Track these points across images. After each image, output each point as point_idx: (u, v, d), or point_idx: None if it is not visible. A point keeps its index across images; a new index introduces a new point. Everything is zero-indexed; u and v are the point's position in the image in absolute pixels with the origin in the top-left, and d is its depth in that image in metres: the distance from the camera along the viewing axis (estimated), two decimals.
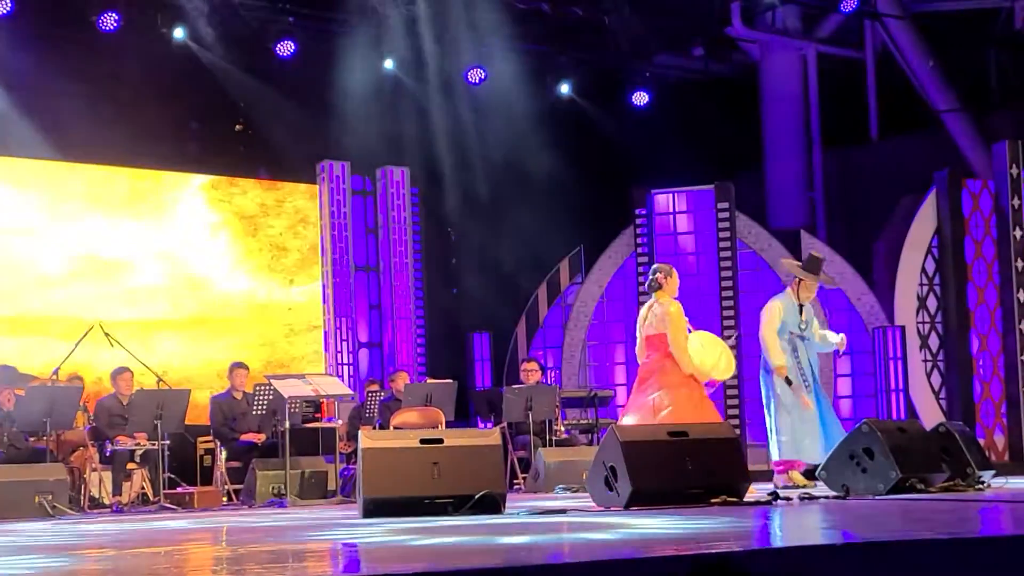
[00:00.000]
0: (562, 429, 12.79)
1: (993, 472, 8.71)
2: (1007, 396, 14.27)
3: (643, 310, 9.18)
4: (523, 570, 3.23)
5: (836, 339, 10.10)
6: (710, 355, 8.94)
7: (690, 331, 8.99)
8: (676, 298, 9.01)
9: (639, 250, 14.90)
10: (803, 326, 9.92)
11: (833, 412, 10.04)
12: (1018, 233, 14.31)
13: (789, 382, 9.67)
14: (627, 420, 8.57)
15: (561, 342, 15.32)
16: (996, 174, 14.60)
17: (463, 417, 13.86)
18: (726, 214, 14.93)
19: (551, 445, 12.11)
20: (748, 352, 14.62)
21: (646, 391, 8.77)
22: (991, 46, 18.95)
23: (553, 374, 14.85)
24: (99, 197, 14.05)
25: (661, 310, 8.88)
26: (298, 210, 15.17)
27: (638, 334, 9.09)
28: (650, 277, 9.15)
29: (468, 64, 15.63)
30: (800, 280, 10.05)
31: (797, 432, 9.68)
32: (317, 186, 14.93)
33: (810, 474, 9.56)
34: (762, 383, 10.05)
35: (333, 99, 14.92)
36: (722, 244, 14.72)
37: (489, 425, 13.13)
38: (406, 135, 15.89)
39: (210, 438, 11.84)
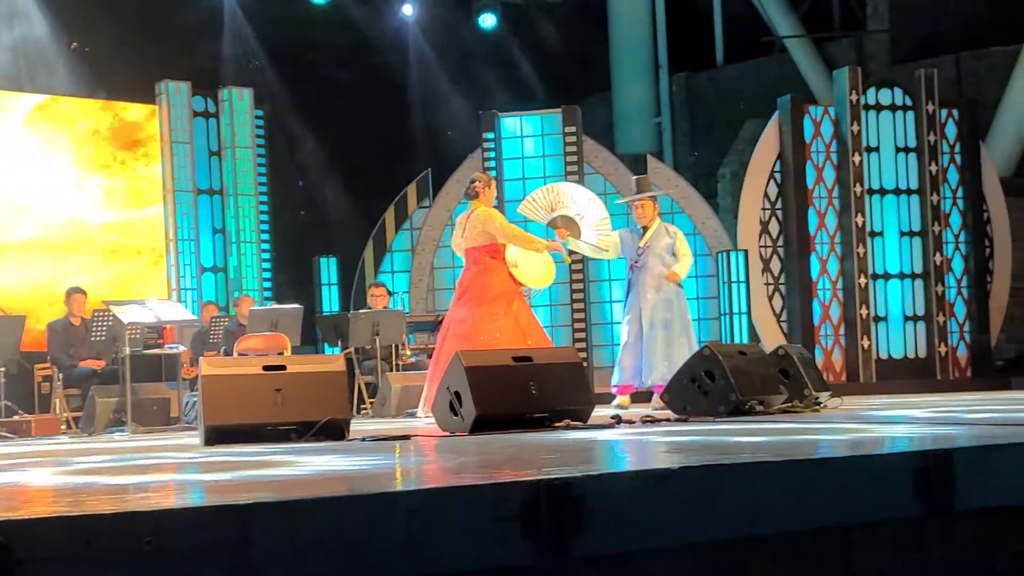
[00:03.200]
0: (409, 354, 12.78)
1: (830, 393, 8.93)
2: (845, 318, 14.64)
3: (458, 223, 9.21)
4: (363, 498, 3.20)
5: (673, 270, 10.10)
6: (534, 264, 9.04)
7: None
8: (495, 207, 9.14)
9: (486, 174, 14.85)
10: (640, 251, 9.96)
11: (664, 341, 10.02)
12: (857, 159, 14.62)
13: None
14: (452, 340, 8.63)
15: (409, 267, 15.27)
16: (836, 100, 14.87)
17: (310, 342, 13.77)
18: (573, 138, 14.97)
19: (398, 370, 12.10)
20: (597, 277, 14.75)
21: (466, 305, 8.85)
22: None
23: (400, 298, 14.80)
24: None
25: (480, 221, 8.90)
26: (136, 131, 14.77)
27: (456, 249, 9.20)
28: (468, 184, 9.16)
29: None
30: (633, 204, 10.13)
31: (621, 358, 10.00)
32: (156, 107, 14.54)
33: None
34: None
35: (174, 18, 14.53)
36: (569, 168, 14.78)
37: (336, 350, 13.06)
38: (250, 55, 15.58)
39: (47, 365, 11.57)
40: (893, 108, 14.93)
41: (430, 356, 13.16)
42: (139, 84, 14.59)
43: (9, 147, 13.92)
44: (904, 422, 6.23)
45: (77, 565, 2.79)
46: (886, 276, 14.81)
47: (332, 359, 7.02)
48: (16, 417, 10.71)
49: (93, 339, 11.09)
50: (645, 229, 10.18)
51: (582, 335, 14.77)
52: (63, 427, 10.82)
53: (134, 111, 14.75)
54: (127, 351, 10.21)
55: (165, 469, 4.98)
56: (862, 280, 14.59)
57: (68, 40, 14.70)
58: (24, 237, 13.91)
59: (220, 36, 15.44)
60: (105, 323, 10.93)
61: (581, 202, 9.73)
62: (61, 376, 11.27)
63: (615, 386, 10.05)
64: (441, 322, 13.16)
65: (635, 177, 10.70)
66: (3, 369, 10.38)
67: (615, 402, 9.88)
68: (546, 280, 9.37)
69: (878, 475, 3.81)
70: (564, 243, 9.72)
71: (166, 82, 14.39)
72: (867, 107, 14.77)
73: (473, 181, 9.17)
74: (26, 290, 13.80)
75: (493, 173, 14.74)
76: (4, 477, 4.82)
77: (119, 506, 3.15)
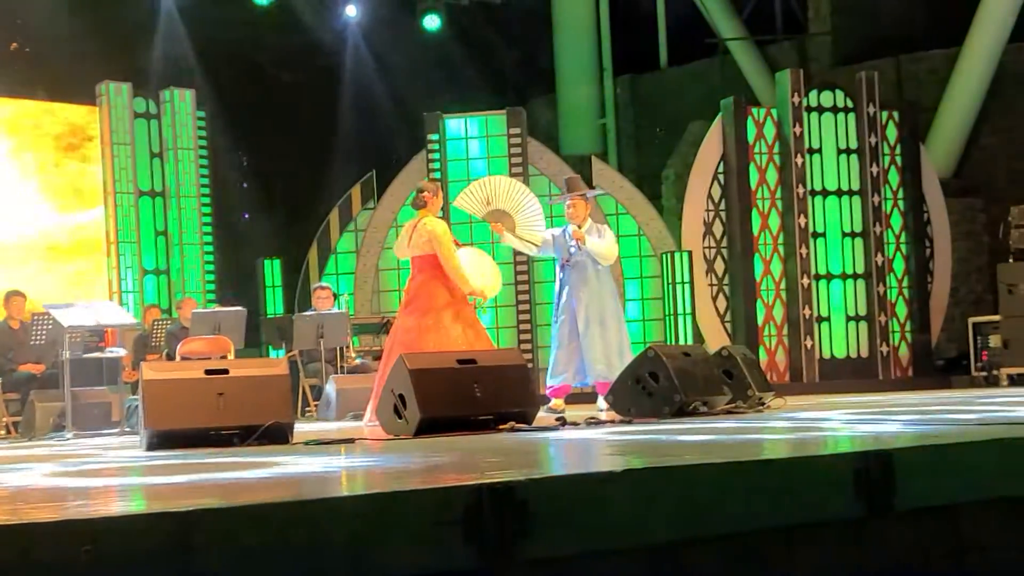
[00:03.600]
0: (354, 356, 12.73)
1: (773, 393, 8.99)
2: (788, 319, 14.75)
3: (404, 230, 9.22)
4: (307, 503, 3.18)
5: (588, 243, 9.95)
6: (480, 273, 9.05)
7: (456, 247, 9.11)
8: (440, 217, 9.10)
9: (431, 175, 14.85)
10: (572, 250, 9.88)
11: (601, 339, 9.92)
12: (799, 160, 14.72)
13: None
14: (398, 348, 8.59)
15: (354, 269, 15.21)
16: (779, 103, 14.97)
17: (254, 345, 13.69)
18: (518, 139, 14.98)
19: (343, 372, 12.05)
20: (542, 278, 14.76)
21: (412, 314, 8.85)
22: None
23: (345, 300, 14.74)
24: None
25: (427, 234, 8.90)
26: (77, 132, 14.61)
27: (400, 254, 9.21)
28: (415, 194, 9.17)
29: None
30: (566, 205, 10.10)
31: (556, 360, 9.93)
32: (97, 107, 14.39)
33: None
34: None
35: (115, 17, 14.40)
36: (514, 170, 14.78)
37: (280, 353, 12.99)
38: (192, 56, 15.48)
39: None
40: (835, 110, 15.05)
41: (376, 358, 13.14)
42: (80, 85, 14.44)
43: None
44: (845, 422, 6.27)
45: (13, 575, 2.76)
46: (828, 276, 14.93)
47: (275, 363, 6.98)
48: None
49: (33, 343, 10.95)
50: (578, 228, 10.16)
51: (527, 336, 14.78)
52: (2, 432, 10.69)
53: (74, 112, 14.60)
54: (67, 355, 10.09)
55: (106, 474, 4.93)
56: (805, 280, 14.70)
57: (7, 40, 14.54)
58: None
59: (161, 37, 15.31)
60: (45, 327, 10.80)
61: (516, 196, 9.73)
62: (0, 380, 11.14)
63: (550, 388, 10.01)
64: (386, 324, 13.15)
65: (566, 177, 10.68)
66: None
67: (549, 404, 9.84)
68: (493, 289, 9.39)
69: (820, 476, 3.84)
70: (496, 236, 9.80)
71: (107, 83, 14.25)
72: (809, 109, 14.88)
73: (421, 191, 9.15)
74: None
75: (438, 175, 14.72)
76: None
77: (57, 514, 3.12)
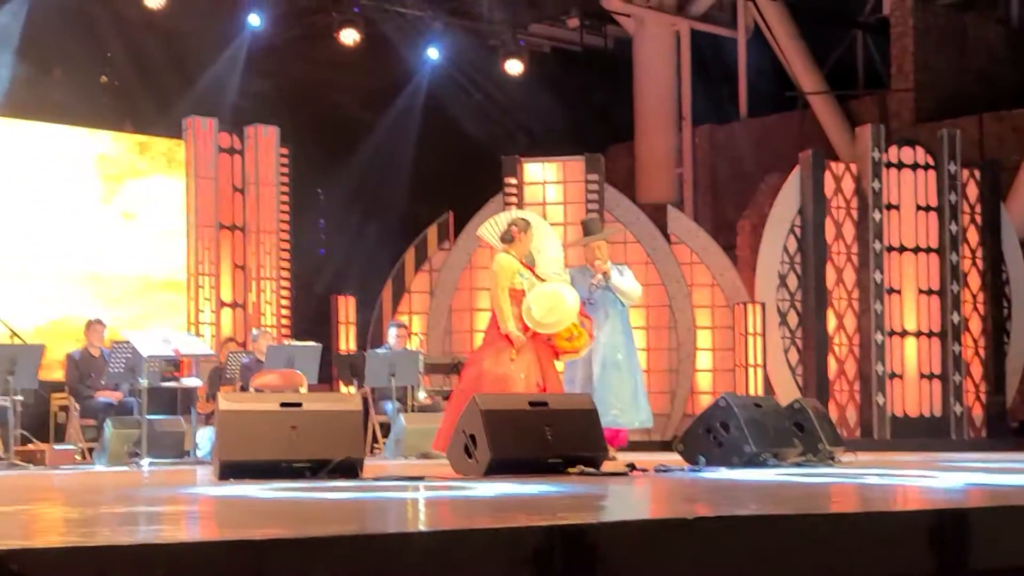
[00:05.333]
0: (424, 395, 12.78)
1: (844, 448, 8.91)
2: (860, 374, 14.61)
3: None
4: (377, 538, 3.21)
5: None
6: (548, 309, 8.82)
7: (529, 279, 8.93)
8: (526, 255, 8.98)
9: None
10: (592, 289, 9.73)
11: (618, 382, 9.76)
12: (877, 215, 14.63)
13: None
14: (465, 378, 8.63)
15: (427, 308, 15.30)
16: (858, 157, 14.90)
17: (326, 381, 13.79)
18: (595, 186, 15.03)
19: (413, 411, 12.10)
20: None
21: (484, 344, 8.92)
22: (858, 30, 19.35)
23: (418, 340, 14.83)
24: None
25: (493, 265, 8.93)
26: (163, 166, 14.86)
27: None
28: (506, 227, 9.06)
29: (340, 24, 15.50)
30: (586, 247, 9.95)
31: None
32: (183, 142, 14.63)
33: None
34: None
35: (202, 53, 14.66)
36: (590, 216, 14.77)
37: (351, 390, 13.08)
38: (276, 93, 15.71)
39: (65, 395, 11.60)
40: (915, 167, 14.95)
41: (445, 398, 13.19)
42: (166, 119, 14.70)
43: (35, 178, 14.02)
44: (918, 479, 6.21)
45: None
46: (903, 334, 14.79)
47: (348, 398, 7.05)
48: (31, 446, 10.73)
49: (111, 371, 11.11)
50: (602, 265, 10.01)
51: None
52: (78, 457, 10.83)
53: (160, 145, 14.85)
54: (145, 383, 10.23)
55: (179, 501, 5.00)
56: (879, 337, 14.57)
57: (97, 73, 14.85)
58: (47, 268, 13.99)
59: (246, 73, 15.55)
60: (124, 355, 10.96)
61: (539, 234, 9.48)
62: (78, 406, 11.30)
63: None
64: (457, 364, 13.19)
65: (584, 219, 10.56)
66: (20, 398, 10.40)
67: None
68: (548, 327, 9.03)
69: (892, 532, 3.81)
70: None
71: (193, 118, 14.49)
72: (889, 165, 14.80)
73: (512, 225, 9.09)
74: (47, 320, 13.86)
75: None
76: (18, 506, 4.84)
77: (132, 538, 3.17)
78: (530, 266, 9.06)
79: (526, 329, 8.77)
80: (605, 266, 9.68)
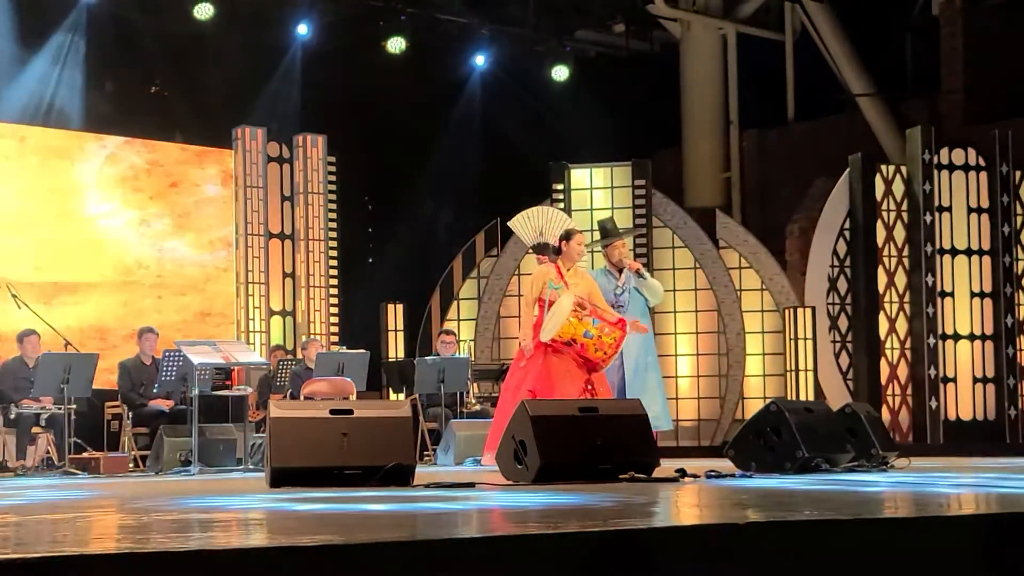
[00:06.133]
0: (474, 401, 12.80)
1: (897, 453, 8.84)
2: (912, 378, 14.49)
3: None
4: (429, 544, 3.21)
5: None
6: (556, 316, 8.99)
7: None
8: (576, 265, 9.10)
9: None
10: (619, 291, 9.75)
11: (652, 383, 9.78)
12: (928, 218, 14.52)
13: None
14: (509, 383, 8.70)
15: (475, 314, 15.31)
16: (909, 159, 14.78)
17: (375, 388, 13.83)
18: (642, 191, 15.00)
19: (463, 417, 12.12)
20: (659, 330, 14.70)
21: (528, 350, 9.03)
22: (907, 32, 19.19)
23: (466, 346, 14.84)
24: (9, 155, 13.79)
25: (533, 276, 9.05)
26: (213, 175, 14.98)
27: None
28: (553, 238, 9.16)
29: (387, 33, 15.55)
30: (607, 248, 9.98)
31: None
32: (233, 151, 14.73)
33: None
34: None
35: (251, 64, 14.74)
36: (638, 222, 14.78)
37: (400, 397, 13.12)
38: (324, 102, 15.78)
39: (118, 403, 11.70)
40: (966, 168, 14.82)
41: (494, 404, 13.21)
42: (215, 129, 14.81)
43: (85, 188, 14.16)
44: (973, 483, 6.15)
45: None
46: (956, 337, 14.65)
47: (398, 404, 7.06)
48: (85, 454, 10.83)
49: (163, 379, 11.20)
50: (620, 271, 10.04)
51: None
52: (131, 465, 10.92)
53: (210, 155, 14.96)
54: (196, 392, 10.31)
55: (231, 509, 5.03)
56: (931, 340, 14.45)
57: (147, 83, 14.97)
58: (98, 277, 14.12)
59: (295, 83, 15.63)
60: (176, 363, 11.04)
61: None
62: (131, 414, 11.39)
63: None
64: (505, 370, 13.20)
65: (601, 220, 10.56)
66: (74, 407, 10.51)
67: None
68: (556, 324, 9.11)
69: (947, 537, 3.77)
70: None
71: (242, 127, 14.59)
72: (940, 167, 14.68)
73: (562, 240, 9.26)
74: (98, 329, 13.99)
75: None
76: (73, 513, 4.88)
77: (185, 544, 3.19)
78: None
79: (539, 343, 8.97)
80: (637, 263, 9.76)
